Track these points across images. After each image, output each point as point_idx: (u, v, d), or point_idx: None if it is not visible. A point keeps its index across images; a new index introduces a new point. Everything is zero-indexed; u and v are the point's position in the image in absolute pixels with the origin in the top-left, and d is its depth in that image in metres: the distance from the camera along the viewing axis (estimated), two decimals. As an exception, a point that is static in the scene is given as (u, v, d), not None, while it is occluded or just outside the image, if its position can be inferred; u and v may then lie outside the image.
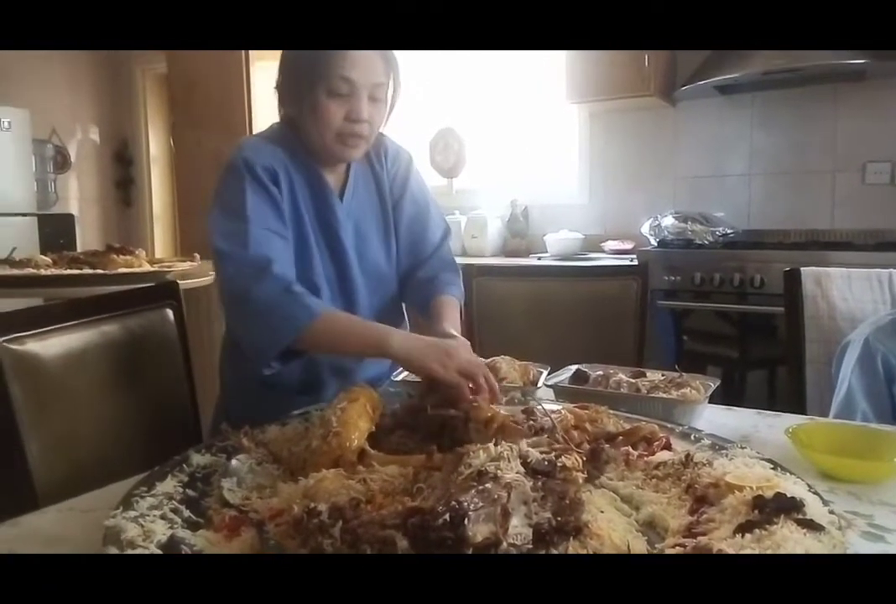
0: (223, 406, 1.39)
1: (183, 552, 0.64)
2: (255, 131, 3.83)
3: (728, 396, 2.48)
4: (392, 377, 1.24)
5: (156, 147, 5.32)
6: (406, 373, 1.24)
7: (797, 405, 1.62)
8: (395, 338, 1.06)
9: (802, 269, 1.68)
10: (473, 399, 0.93)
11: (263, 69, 3.83)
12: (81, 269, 2.20)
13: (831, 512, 0.70)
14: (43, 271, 2.15)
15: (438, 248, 1.41)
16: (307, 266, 1.25)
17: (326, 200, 1.28)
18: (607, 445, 0.91)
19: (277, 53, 1.26)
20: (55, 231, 4.30)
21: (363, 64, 1.16)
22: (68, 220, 4.60)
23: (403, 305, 1.45)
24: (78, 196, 5.08)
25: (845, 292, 1.64)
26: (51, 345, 1.14)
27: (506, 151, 3.90)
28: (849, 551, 0.63)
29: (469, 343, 1.11)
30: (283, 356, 1.14)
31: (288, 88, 1.24)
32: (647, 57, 3.03)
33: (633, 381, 1.19)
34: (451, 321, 1.25)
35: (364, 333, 1.11)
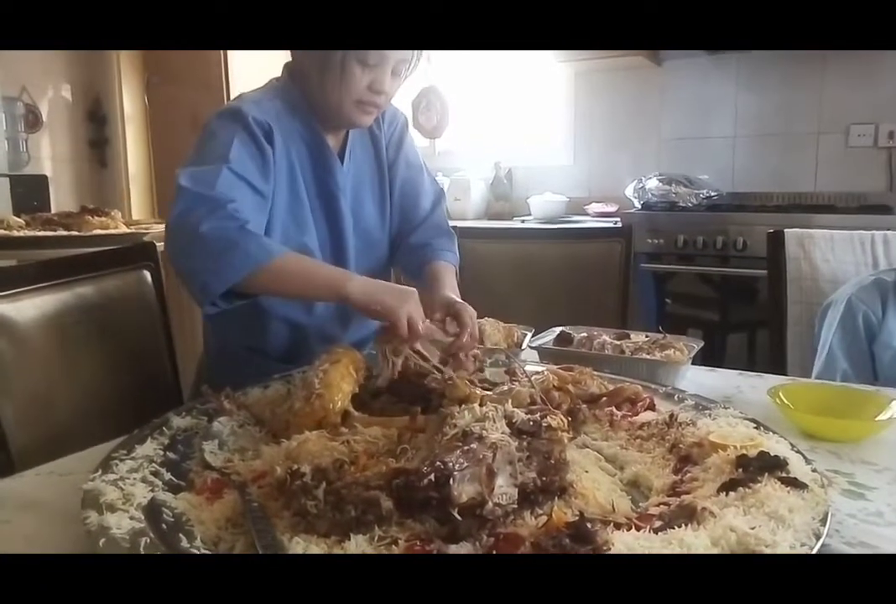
0: (206, 370, 1.37)
1: (164, 515, 0.63)
2: (231, 87, 3.75)
3: (709, 358, 2.49)
4: (376, 340, 1.23)
5: (130, 105, 5.16)
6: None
7: (778, 367, 1.63)
8: (354, 282, 1.02)
9: (786, 230, 1.68)
10: (449, 377, 0.87)
11: (240, 24, 3.74)
12: (55, 230, 2.15)
13: (814, 470, 0.71)
14: (16, 233, 2.10)
15: (431, 212, 1.39)
16: (301, 228, 1.23)
17: (326, 162, 1.25)
18: (584, 406, 0.91)
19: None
20: (28, 192, 4.19)
21: None
22: (41, 180, 4.48)
23: (392, 271, 1.44)
24: (51, 156, 4.95)
25: (828, 254, 1.64)
26: (24, 306, 1.12)
27: (490, 111, 3.84)
28: (830, 509, 0.63)
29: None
30: (227, 296, 1.08)
31: (317, 55, 1.19)
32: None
33: (618, 342, 1.19)
34: (451, 287, 1.23)
35: (322, 276, 1.07)
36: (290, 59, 1.26)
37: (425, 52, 1.25)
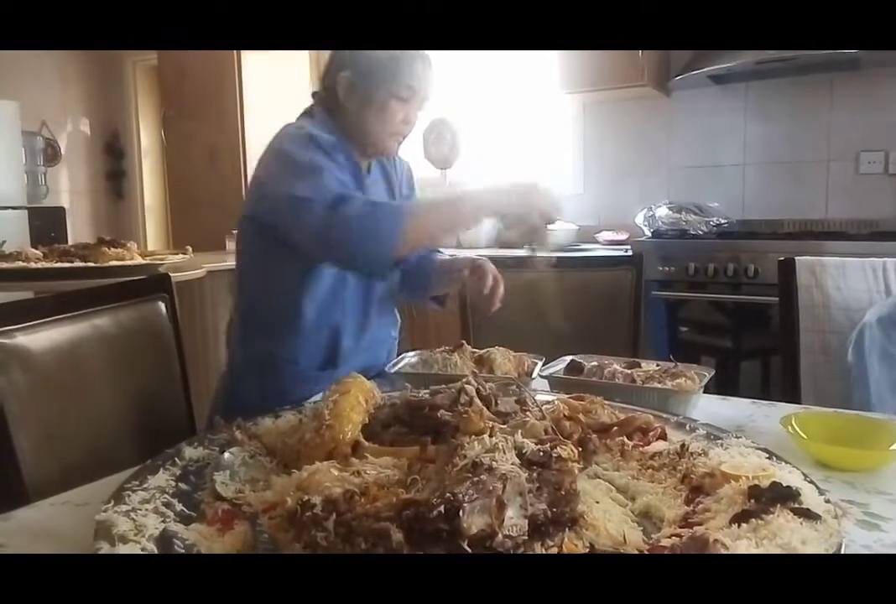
0: (229, 388, 1.40)
1: (175, 547, 0.64)
2: (246, 121, 3.82)
3: (722, 386, 2.47)
4: (387, 369, 1.24)
5: (147, 139, 5.28)
6: (402, 364, 1.24)
7: (792, 395, 1.62)
8: (471, 199, 1.22)
9: (797, 258, 1.68)
10: (465, 411, 0.87)
11: (254, 58, 3.82)
12: (72, 262, 2.18)
13: (827, 501, 0.70)
14: (33, 264, 2.13)
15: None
16: None
17: (362, 186, 1.35)
18: (594, 436, 0.90)
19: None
20: (46, 224, 4.27)
21: (424, 76, 1.34)
22: (59, 213, 4.57)
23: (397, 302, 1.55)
24: (69, 189, 5.05)
25: (839, 282, 1.64)
26: (41, 338, 1.13)
27: (499, 141, 3.88)
28: (844, 540, 0.62)
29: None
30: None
31: (360, 85, 1.32)
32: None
33: (628, 371, 1.19)
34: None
35: (448, 213, 1.23)
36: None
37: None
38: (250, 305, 1.38)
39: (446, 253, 1.57)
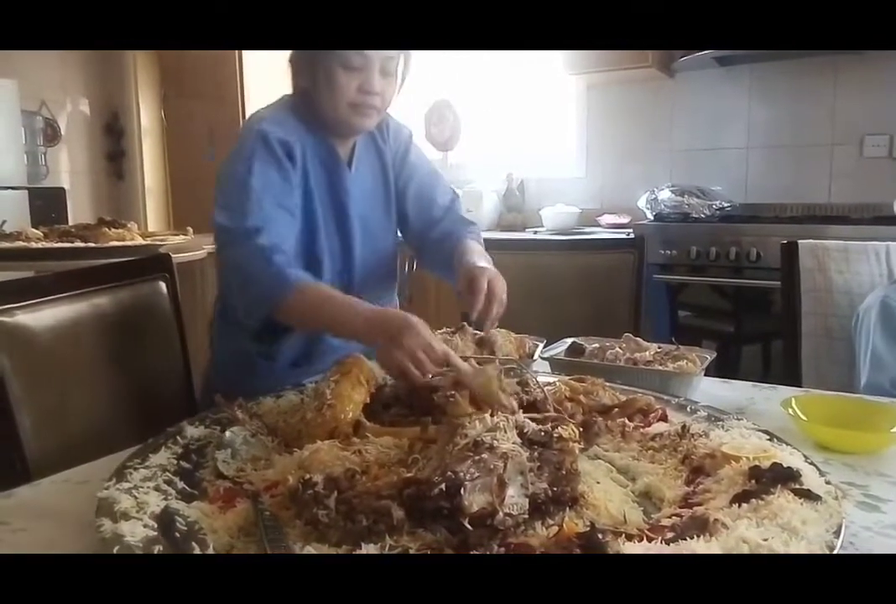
0: (211, 378, 1.39)
1: (177, 524, 0.64)
2: (247, 101, 3.78)
3: (723, 370, 2.47)
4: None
5: (147, 119, 5.23)
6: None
7: (793, 378, 1.62)
8: (359, 325, 1.02)
9: (800, 242, 1.67)
10: (451, 394, 0.85)
11: (255, 39, 3.77)
12: (73, 242, 2.18)
13: (828, 482, 0.70)
14: (33, 244, 2.12)
15: (448, 209, 1.43)
16: (312, 238, 1.27)
17: (337, 171, 1.30)
18: (599, 418, 0.90)
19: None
20: (46, 204, 4.24)
21: None
22: (59, 193, 4.54)
23: (398, 278, 1.48)
24: (69, 169, 5.02)
25: (842, 266, 1.63)
26: (42, 317, 1.13)
27: (502, 123, 3.85)
28: (844, 521, 0.62)
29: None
30: (275, 329, 1.17)
31: (303, 61, 1.24)
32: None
33: (630, 355, 1.19)
34: (476, 253, 1.26)
35: (333, 315, 1.08)
36: None
37: (412, 51, 1.27)
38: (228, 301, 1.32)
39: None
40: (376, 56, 1.19)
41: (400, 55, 1.24)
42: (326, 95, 1.22)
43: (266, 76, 3.83)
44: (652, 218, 2.94)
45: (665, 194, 2.90)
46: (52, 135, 4.84)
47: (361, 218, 1.32)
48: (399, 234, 1.44)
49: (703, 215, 2.80)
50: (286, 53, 1.29)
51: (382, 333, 0.97)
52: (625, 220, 3.24)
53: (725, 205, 2.84)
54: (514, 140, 3.82)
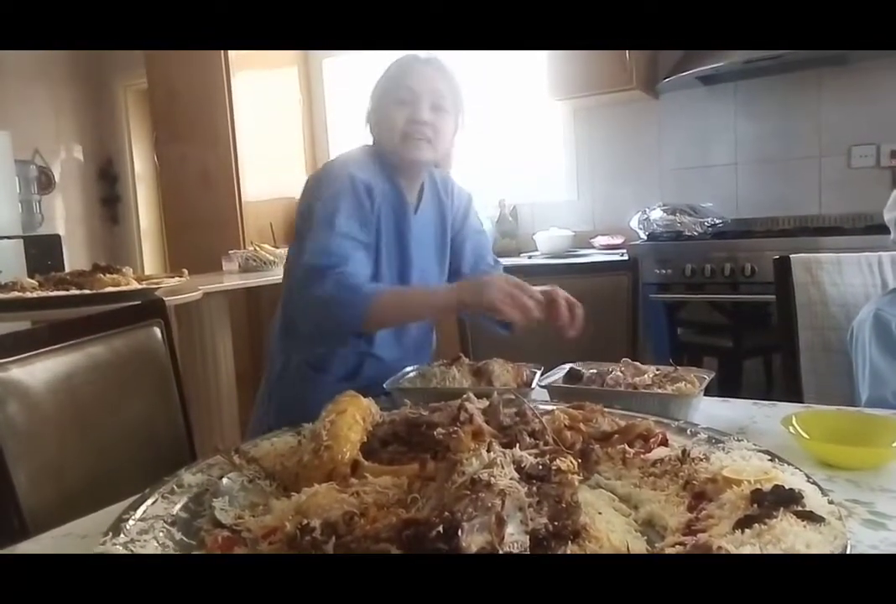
0: (269, 392, 1.50)
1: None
2: (238, 143, 3.82)
3: (725, 385, 2.47)
4: (385, 386, 1.23)
5: (140, 163, 5.30)
6: (402, 381, 1.23)
7: (794, 393, 1.61)
8: (451, 293, 1.25)
9: (792, 256, 1.67)
10: (454, 431, 0.85)
11: (244, 77, 3.81)
12: (68, 290, 2.17)
13: (831, 502, 0.69)
14: (29, 294, 2.12)
15: (493, 267, 1.61)
16: (376, 272, 1.38)
17: (405, 213, 1.43)
18: (597, 446, 0.90)
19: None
20: (42, 252, 4.27)
21: (423, 75, 1.37)
22: (55, 240, 4.57)
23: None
24: (64, 216, 5.06)
25: (836, 278, 1.63)
26: (36, 370, 1.13)
27: (491, 150, 3.89)
28: (850, 541, 0.62)
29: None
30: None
31: (371, 106, 1.43)
32: (627, 50, 3.02)
33: (629, 380, 1.18)
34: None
35: (422, 299, 1.31)
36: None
37: (463, 89, 1.44)
38: (291, 319, 1.45)
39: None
40: (423, 89, 1.35)
41: (450, 94, 1.39)
42: (384, 130, 1.38)
43: (257, 116, 3.88)
44: (645, 238, 2.95)
45: (657, 214, 2.91)
46: (46, 182, 4.89)
47: (417, 258, 1.44)
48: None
49: (695, 233, 2.82)
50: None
51: (471, 290, 1.19)
52: (618, 240, 3.25)
53: (717, 221, 2.86)
54: (506, 167, 3.86)
